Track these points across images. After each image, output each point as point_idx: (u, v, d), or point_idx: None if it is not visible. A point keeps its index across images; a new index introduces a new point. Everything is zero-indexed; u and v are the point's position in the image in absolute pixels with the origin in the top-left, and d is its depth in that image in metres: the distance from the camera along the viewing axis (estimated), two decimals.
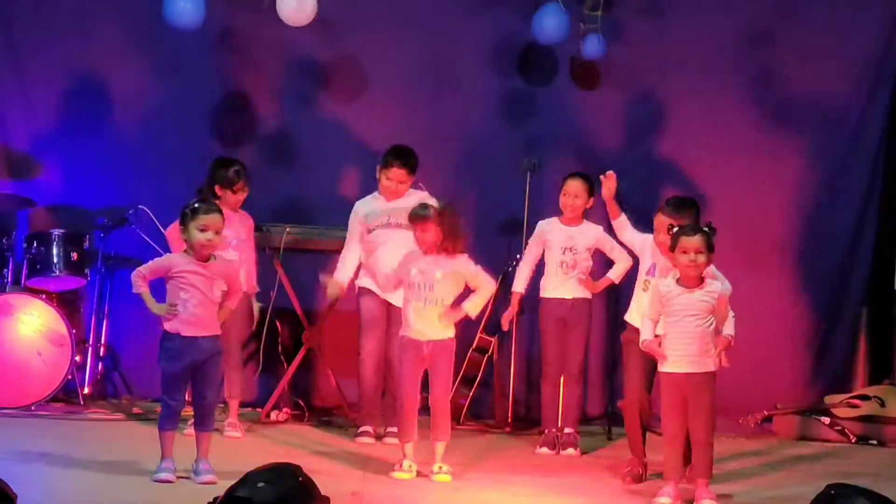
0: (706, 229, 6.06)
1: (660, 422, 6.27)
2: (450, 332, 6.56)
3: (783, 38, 8.80)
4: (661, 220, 6.43)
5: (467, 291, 6.62)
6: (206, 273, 6.05)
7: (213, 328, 6.12)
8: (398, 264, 6.68)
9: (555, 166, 8.30)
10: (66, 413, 7.89)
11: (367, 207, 7.62)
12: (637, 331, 6.31)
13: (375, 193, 7.65)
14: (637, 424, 6.57)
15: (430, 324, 6.49)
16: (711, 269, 6.16)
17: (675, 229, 6.14)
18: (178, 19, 7.83)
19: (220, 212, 6.14)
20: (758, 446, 7.93)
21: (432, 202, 6.82)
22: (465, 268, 6.55)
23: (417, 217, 6.55)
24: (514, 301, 7.66)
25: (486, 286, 6.62)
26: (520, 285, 7.65)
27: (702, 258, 5.99)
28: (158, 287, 6.10)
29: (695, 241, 5.98)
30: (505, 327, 7.77)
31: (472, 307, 6.60)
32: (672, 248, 6.06)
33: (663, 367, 6.08)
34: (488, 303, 8.09)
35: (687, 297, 6.00)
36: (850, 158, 8.83)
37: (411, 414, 6.53)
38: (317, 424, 8.05)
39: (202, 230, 6.01)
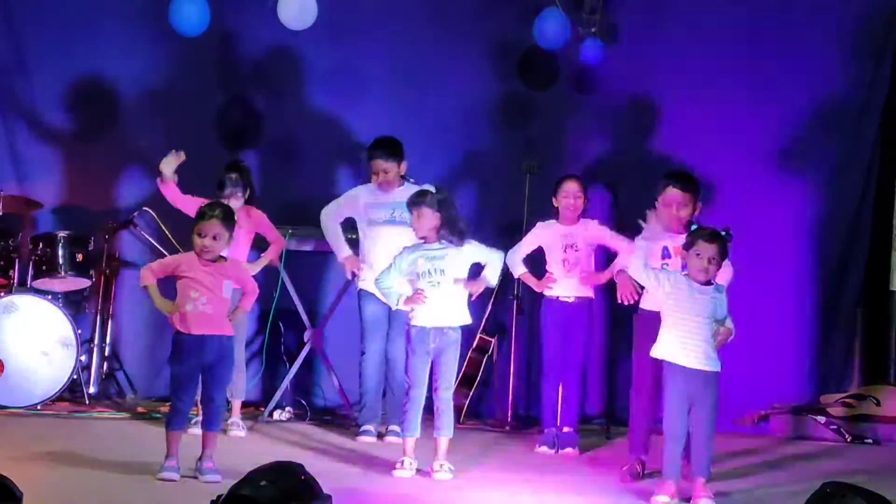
0: (724, 234, 6.11)
1: (660, 422, 6.29)
2: (456, 322, 6.62)
3: (780, 39, 8.80)
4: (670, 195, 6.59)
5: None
6: (214, 272, 6.10)
7: (224, 328, 6.15)
8: (397, 256, 6.68)
9: (554, 169, 8.34)
10: (72, 412, 7.93)
11: (368, 196, 7.67)
12: (653, 330, 6.24)
13: (371, 185, 7.70)
14: (643, 415, 6.62)
15: (439, 309, 6.55)
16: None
17: (695, 228, 6.19)
18: (184, 26, 7.86)
19: (223, 217, 6.14)
20: (754, 445, 7.95)
21: (430, 189, 6.91)
22: (476, 250, 6.65)
23: (415, 203, 6.62)
24: (529, 280, 7.64)
25: (497, 257, 6.76)
26: (522, 267, 7.63)
27: (713, 266, 6.04)
28: (170, 288, 6.16)
29: (711, 248, 6.03)
30: (554, 280, 7.58)
31: (492, 276, 6.74)
32: (687, 248, 6.11)
33: (671, 359, 6.05)
34: (488, 305, 8.20)
35: (696, 296, 6.04)
36: (845, 159, 8.83)
37: (417, 407, 6.57)
38: (318, 423, 8.08)
39: (200, 234, 6.09)
